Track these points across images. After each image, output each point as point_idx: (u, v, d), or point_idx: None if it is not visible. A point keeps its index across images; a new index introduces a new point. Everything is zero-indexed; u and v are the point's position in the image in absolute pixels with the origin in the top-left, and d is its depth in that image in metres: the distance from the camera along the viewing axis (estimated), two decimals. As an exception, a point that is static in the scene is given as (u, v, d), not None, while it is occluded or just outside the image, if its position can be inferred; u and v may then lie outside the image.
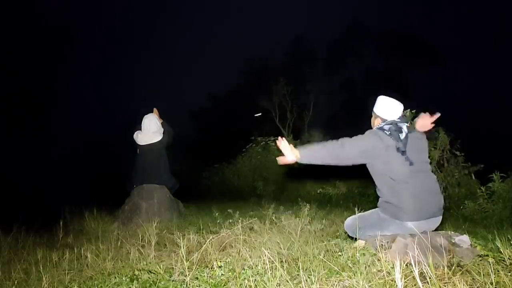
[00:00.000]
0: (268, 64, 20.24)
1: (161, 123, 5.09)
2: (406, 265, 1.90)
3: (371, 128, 2.68)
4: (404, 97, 2.72)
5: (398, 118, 2.55)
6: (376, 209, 2.56)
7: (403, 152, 2.35)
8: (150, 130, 4.94)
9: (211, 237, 2.72)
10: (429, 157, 2.55)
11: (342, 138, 2.47)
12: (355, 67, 24.27)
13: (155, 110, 5.19)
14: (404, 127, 2.45)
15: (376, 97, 2.70)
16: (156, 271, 2.25)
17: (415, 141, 2.45)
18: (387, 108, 2.60)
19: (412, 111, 5.65)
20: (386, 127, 2.46)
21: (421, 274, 1.76)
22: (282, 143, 2.51)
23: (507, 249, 2.12)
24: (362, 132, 2.53)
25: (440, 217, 2.47)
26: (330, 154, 2.44)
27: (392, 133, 2.39)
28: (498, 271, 1.84)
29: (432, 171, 2.53)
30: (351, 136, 2.48)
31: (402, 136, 2.39)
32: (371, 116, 2.73)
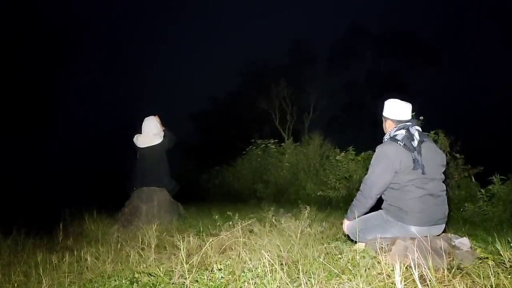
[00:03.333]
0: (268, 66, 20.28)
1: (163, 130, 5.05)
2: (406, 267, 1.90)
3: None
4: (405, 98, 2.72)
5: (409, 122, 2.53)
6: (379, 211, 2.56)
7: (417, 161, 2.33)
8: (150, 132, 4.93)
9: (211, 240, 2.72)
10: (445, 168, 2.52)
11: (364, 184, 2.53)
12: (355, 69, 24.35)
13: (156, 116, 5.14)
14: (416, 134, 2.43)
15: (380, 100, 2.71)
16: (156, 274, 2.25)
17: (429, 150, 2.42)
18: (395, 109, 2.59)
19: (412, 113, 5.65)
20: (399, 136, 2.43)
21: (421, 276, 1.76)
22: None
23: (507, 251, 2.12)
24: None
25: (443, 226, 2.46)
26: (367, 203, 2.54)
27: (406, 143, 2.37)
28: (498, 273, 1.84)
29: (444, 181, 2.50)
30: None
31: (415, 143, 2.37)
32: (382, 121, 2.73)
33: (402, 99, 2.67)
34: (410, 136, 2.41)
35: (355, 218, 2.57)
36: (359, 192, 2.58)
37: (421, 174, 2.33)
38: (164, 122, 5.17)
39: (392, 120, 2.60)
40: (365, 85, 23.61)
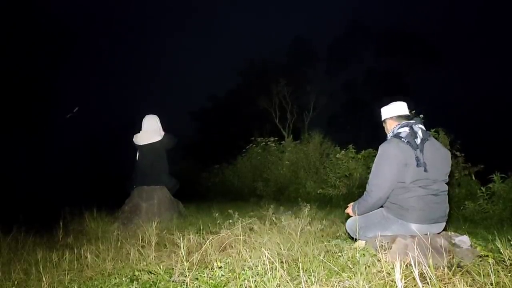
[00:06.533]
0: (268, 65, 20.25)
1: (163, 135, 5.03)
2: (406, 265, 1.90)
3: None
4: (404, 97, 2.72)
5: (413, 120, 2.52)
6: (380, 209, 2.55)
7: (419, 160, 2.32)
8: (150, 128, 4.92)
9: (211, 238, 2.72)
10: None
11: (372, 185, 2.46)
12: (355, 68, 24.31)
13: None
14: (420, 131, 2.42)
15: (380, 100, 2.73)
16: (156, 272, 2.25)
17: (432, 148, 2.40)
18: (391, 107, 2.62)
19: (412, 111, 5.65)
20: (403, 134, 2.42)
21: (421, 274, 1.76)
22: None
23: (507, 249, 2.12)
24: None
25: (444, 224, 2.46)
26: (375, 205, 2.50)
27: (410, 141, 2.36)
28: (498, 271, 1.84)
29: (448, 183, 2.49)
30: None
31: (418, 141, 2.36)
32: (383, 127, 2.73)
33: (402, 97, 2.70)
34: (413, 134, 2.40)
35: (358, 214, 2.56)
36: (366, 193, 2.50)
37: (424, 172, 2.31)
38: (163, 125, 5.15)
39: (391, 118, 2.60)
40: (365, 84, 23.58)
